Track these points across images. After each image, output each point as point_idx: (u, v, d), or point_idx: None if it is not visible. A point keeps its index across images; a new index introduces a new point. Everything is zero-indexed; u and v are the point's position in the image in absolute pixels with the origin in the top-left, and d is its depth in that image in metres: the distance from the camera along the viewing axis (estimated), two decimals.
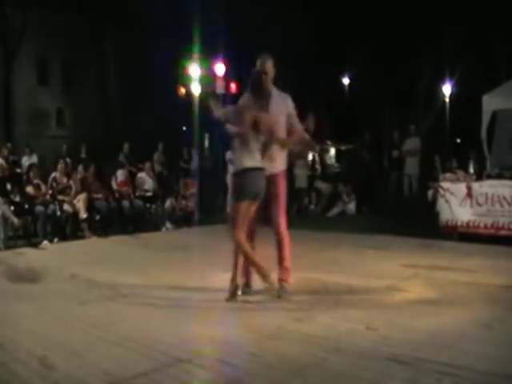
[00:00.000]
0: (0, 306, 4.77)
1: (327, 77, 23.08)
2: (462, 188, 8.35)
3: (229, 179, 10.23)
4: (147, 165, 10.84)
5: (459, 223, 8.31)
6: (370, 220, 10.76)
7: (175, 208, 10.44)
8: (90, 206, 9.29)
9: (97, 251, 7.87)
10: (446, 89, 21.46)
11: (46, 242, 8.38)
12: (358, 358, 3.38)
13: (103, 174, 10.43)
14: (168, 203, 10.43)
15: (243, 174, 4.59)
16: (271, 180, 4.77)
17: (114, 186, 10.18)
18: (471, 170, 10.28)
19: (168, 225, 10.29)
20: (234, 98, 18.12)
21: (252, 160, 4.60)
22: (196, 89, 14.87)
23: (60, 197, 9.09)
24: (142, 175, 10.70)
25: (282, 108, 4.88)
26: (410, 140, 12.04)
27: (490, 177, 8.57)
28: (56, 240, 8.63)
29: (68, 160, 10.89)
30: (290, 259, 4.89)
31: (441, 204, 8.60)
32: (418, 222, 9.69)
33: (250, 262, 4.71)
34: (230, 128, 4.71)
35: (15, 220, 8.38)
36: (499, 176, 8.40)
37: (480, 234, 8.10)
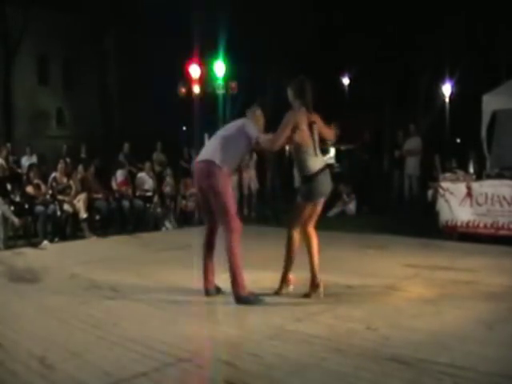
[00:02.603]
0: (0, 306, 4.76)
1: (327, 77, 23.05)
2: (461, 188, 8.35)
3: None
4: (147, 165, 10.84)
5: (459, 223, 8.31)
6: (369, 220, 10.75)
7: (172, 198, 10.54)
8: (90, 206, 9.29)
9: (97, 251, 7.87)
10: (446, 89, 21.46)
11: (45, 242, 8.39)
12: (359, 359, 3.37)
13: (103, 173, 10.43)
14: (168, 188, 10.47)
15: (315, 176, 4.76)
16: None
17: (114, 186, 10.19)
18: (471, 170, 10.26)
19: (168, 225, 10.29)
20: (233, 98, 18.17)
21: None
22: (196, 88, 14.87)
23: (60, 197, 9.09)
24: (141, 175, 10.71)
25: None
26: (411, 140, 12.01)
27: (489, 177, 8.56)
28: (56, 240, 8.64)
29: (68, 160, 10.89)
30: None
31: (441, 204, 8.60)
32: (418, 222, 9.69)
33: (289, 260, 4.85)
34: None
35: (15, 220, 8.38)
36: (499, 176, 8.39)
37: (480, 233, 8.10)
